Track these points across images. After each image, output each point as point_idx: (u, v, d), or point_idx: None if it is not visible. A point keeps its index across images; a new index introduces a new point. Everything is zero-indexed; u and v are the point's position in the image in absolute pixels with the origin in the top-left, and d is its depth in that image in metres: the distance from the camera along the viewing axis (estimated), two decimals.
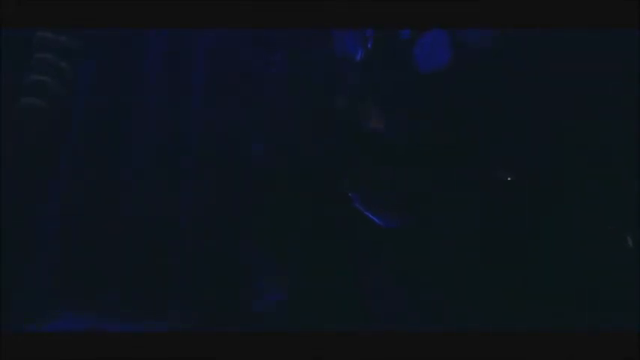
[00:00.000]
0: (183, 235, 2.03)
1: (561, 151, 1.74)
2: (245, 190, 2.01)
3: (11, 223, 1.63)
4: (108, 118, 2.06)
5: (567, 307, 1.63)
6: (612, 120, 1.69)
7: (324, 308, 1.79)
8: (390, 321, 1.76)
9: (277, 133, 1.99)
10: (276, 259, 1.93)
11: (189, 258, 2.01)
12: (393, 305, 1.79)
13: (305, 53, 1.97)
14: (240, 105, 2.05)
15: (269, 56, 2.02)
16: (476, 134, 1.78)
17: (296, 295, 1.86)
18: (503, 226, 1.74)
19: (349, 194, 1.82)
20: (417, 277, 1.78)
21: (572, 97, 1.72)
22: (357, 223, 1.83)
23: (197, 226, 2.04)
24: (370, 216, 1.79)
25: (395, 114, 1.86)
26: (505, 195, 1.74)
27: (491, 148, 1.77)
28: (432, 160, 1.80)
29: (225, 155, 2.03)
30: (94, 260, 1.95)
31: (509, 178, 1.71)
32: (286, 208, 1.93)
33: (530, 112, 1.76)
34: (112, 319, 1.85)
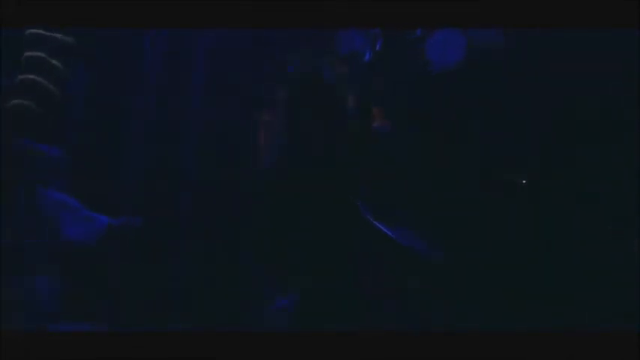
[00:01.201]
0: (183, 235, 2.03)
1: (562, 150, 1.74)
2: (246, 190, 2.01)
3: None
4: (107, 117, 2.06)
5: (567, 307, 1.63)
6: (612, 120, 1.69)
7: (324, 308, 1.79)
8: (391, 321, 1.76)
9: (282, 134, 1.99)
10: (279, 262, 1.92)
11: (189, 259, 2.01)
12: (393, 305, 1.78)
13: (313, 53, 1.97)
14: (241, 105, 2.05)
15: (273, 57, 2.02)
16: (483, 134, 1.78)
17: (297, 296, 1.86)
18: (505, 226, 1.74)
19: (359, 204, 1.81)
20: (418, 278, 1.77)
21: (573, 97, 1.73)
22: (358, 224, 1.83)
23: (197, 227, 2.04)
24: (380, 227, 1.78)
25: (404, 114, 1.85)
26: (508, 196, 1.74)
27: (495, 147, 1.78)
28: (436, 159, 1.80)
29: (226, 155, 2.03)
30: (92, 262, 1.95)
31: (524, 181, 1.71)
32: (289, 209, 1.93)
33: (532, 111, 1.76)
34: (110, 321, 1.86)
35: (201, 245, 2.01)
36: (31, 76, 1.53)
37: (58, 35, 1.57)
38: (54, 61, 1.56)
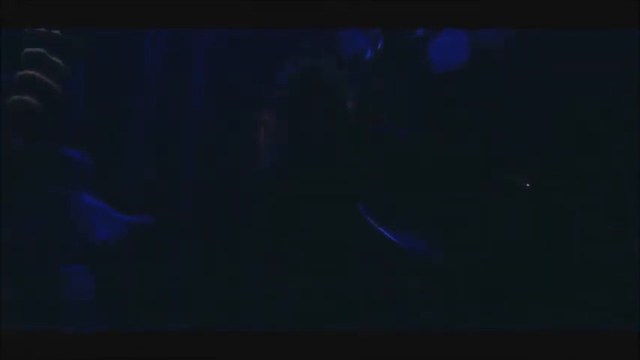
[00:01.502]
0: (183, 236, 2.03)
1: (562, 150, 1.74)
2: (246, 191, 2.01)
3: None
4: (106, 117, 2.06)
5: (567, 307, 1.63)
6: (613, 120, 1.69)
7: (324, 309, 1.79)
8: (391, 321, 1.76)
9: (283, 135, 1.99)
10: (279, 263, 1.92)
11: (188, 260, 2.01)
12: (393, 305, 1.78)
13: (313, 53, 1.97)
14: (241, 105, 2.05)
15: (273, 57, 2.02)
16: (484, 135, 1.78)
17: (297, 296, 1.86)
18: (505, 226, 1.74)
19: (361, 209, 1.81)
20: (418, 278, 1.78)
21: (572, 97, 1.73)
22: (359, 226, 1.83)
23: (197, 227, 2.04)
24: (381, 229, 1.77)
25: (406, 116, 1.85)
26: (509, 196, 1.74)
27: (496, 148, 1.78)
28: (443, 162, 1.80)
29: (226, 156, 2.03)
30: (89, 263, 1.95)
31: (527, 185, 1.71)
32: (289, 211, 1.93)
33: (532, 111, 1.76)
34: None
35: (201, 245, 2.01)
36: (31, 72, 1.52)
37: (58, 34, 1.57)
38: (54, 58, 1.56)
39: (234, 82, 2.06)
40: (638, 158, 1.65)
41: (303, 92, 1.97)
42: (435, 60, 1.81)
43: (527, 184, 1.74)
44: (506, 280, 1.70)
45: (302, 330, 1.59)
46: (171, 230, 1.98)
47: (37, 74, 1.53)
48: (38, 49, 1.54)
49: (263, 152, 2.00)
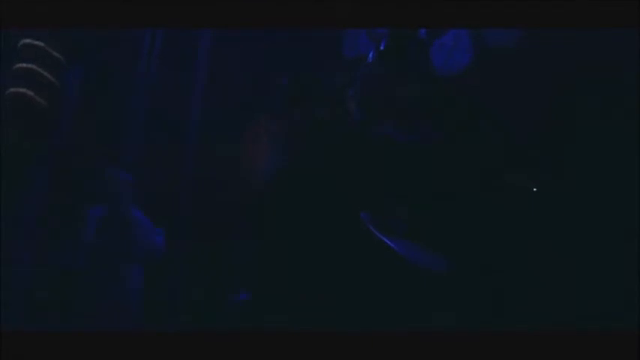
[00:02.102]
0: (182, 236, 2.04)
1: (562, 150, 1.74)
2: (245, 191, 2.01)
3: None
4: (106, 117, 2.07)
5: (567, 307, 1.63)
6: (613, 119, 1.69)
7: (326, 310, 1.79)
8: (391, 322, 1.76)
9: (283, 139, 1.99)
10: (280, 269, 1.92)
11: (187, 259, 2.02)
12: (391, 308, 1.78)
13: (316, 54, 1.97)
14: (242, 106, 2.05)
15: (275, 58, 2.02)
16: (487, 136, 1.78)
17: (298, 298, 1.86)
18: (506, 227, 1.74)
19: (363, 216, 1.80)
20: (419, 278, 1.78)
21: (572, 96, 1.73)
22: (361, 234, 1.82)
23: (196, 227, 2.05)
24: (384, 239, 1.76)
25: (408, 117, 1.84)
26: (512, 200, 1.74)
27: (498, 150, 1.78)
28: (444, 161, 1.79)
29: (226, 156, 2.03)
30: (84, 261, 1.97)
31: (534, 189, 1.71)
32: (289, 219, 1.92)
33: (532, 112, 1.76)
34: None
35: (201, 247, 2.01)
36: (29, 65, 1.54)
37: (57, 35, 1.58)
38: (54, 53, 1.57)
39: (232, 82, 2.07)
40: (638, 158, 1.65)
41: (303, 94, 1.96)
42: (437, 62, 1.80)
43: (534, 189, 1.74)
44: (506, 280, 1.71)
45: (302, 330, 1.59)
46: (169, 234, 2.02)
47: (34, 67, 1.54)
48: (36, 42, 1.56)
49: (260, 156, 2.00)
